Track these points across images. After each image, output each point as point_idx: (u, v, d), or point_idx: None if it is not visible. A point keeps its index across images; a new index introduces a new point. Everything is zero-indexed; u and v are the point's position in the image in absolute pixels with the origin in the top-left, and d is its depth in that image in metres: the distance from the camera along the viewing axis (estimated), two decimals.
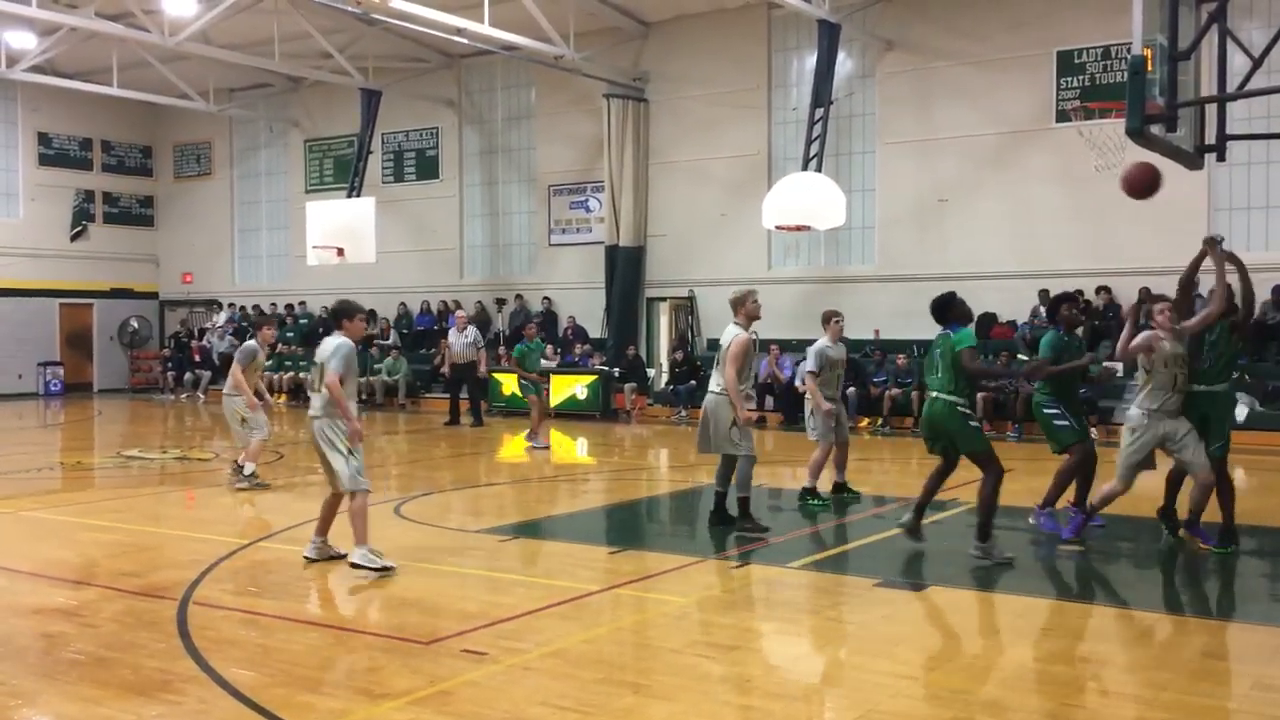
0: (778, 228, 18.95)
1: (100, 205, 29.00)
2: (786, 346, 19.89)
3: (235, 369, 11.80)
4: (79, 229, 28.36)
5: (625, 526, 10.76)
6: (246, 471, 11.89)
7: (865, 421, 18.46)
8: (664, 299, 22.79)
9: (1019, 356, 17.96)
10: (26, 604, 7.02)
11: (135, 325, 29.29)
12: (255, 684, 5.32)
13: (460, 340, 18.80)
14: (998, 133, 19.15)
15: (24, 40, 22.17)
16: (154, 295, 30.12)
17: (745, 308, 9.48)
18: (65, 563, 8.32)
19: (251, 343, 12.00)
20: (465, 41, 20.78)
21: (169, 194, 30.11)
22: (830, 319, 11.18)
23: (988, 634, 6.35)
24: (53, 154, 28.04)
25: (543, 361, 17.88)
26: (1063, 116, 18.33)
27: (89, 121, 28.33)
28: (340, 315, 8.06)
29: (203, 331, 27.71)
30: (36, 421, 21.68)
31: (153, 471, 13.81)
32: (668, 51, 22.24)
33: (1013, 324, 18.95)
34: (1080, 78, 18.50)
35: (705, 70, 21.74)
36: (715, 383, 9.46)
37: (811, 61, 20.05)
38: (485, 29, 18.79)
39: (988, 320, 19.27)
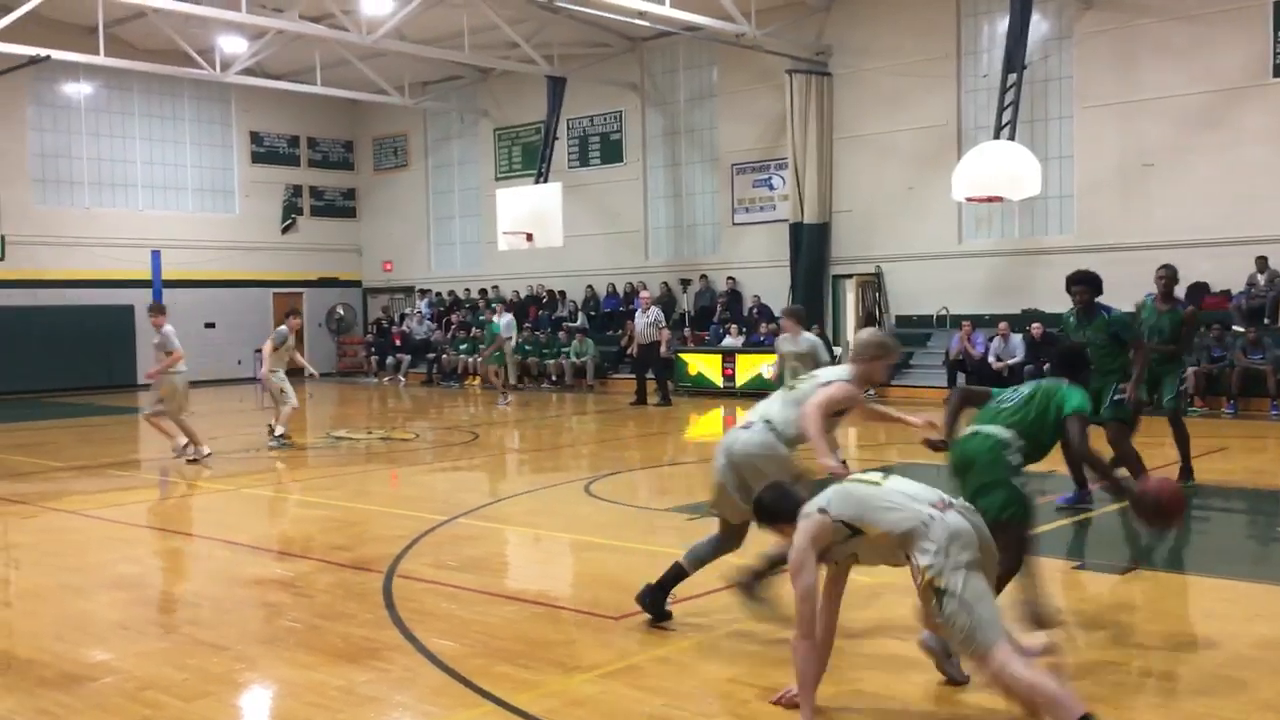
0: (969, 199, 18.38)
1: (307, 199, 30.60)
2: (979, 322, 19.32)
3: (268, 348, 14.55)
4: (289, 222, 30.00)
5: None
6: (278, 433, 14.24)
7: None
8: (850, 276, 22.44)
9: (1234, 328, 16.94)
10: (248, 575, 7.52)
11: (341, 312, 30.80)
12: (456, 654, 5.55)
13: (642, 320, 19.25)
14: (1208, 91, 18.01)
15: (236, 45, 23.55)
16: (357, 283, 31.60)
17: (866, 365, 5.83)
18: (282, 536, 8.86)
19: (282, 328, 14.77)
20: (647, 24, 20.92)
21: (369, 186, 31.50)
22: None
23: (1198, 619, 6.03)
24: (263, 151, 29.72)
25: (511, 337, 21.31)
26: None
27: (295, 119, 29.89)
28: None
29: (403, 317, 28.90)
30: (254, 404, 23.04)
31: (359, 451, 14.52)
32: (852, 23, 21.82)
33: (1227, 294, 17.85)
34: None
35: (891, 40, 21.23)
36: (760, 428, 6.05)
37: (1003, 25, 19.32)
38: (667, 10, 18.87)
39: (1199, 290, 18.24)
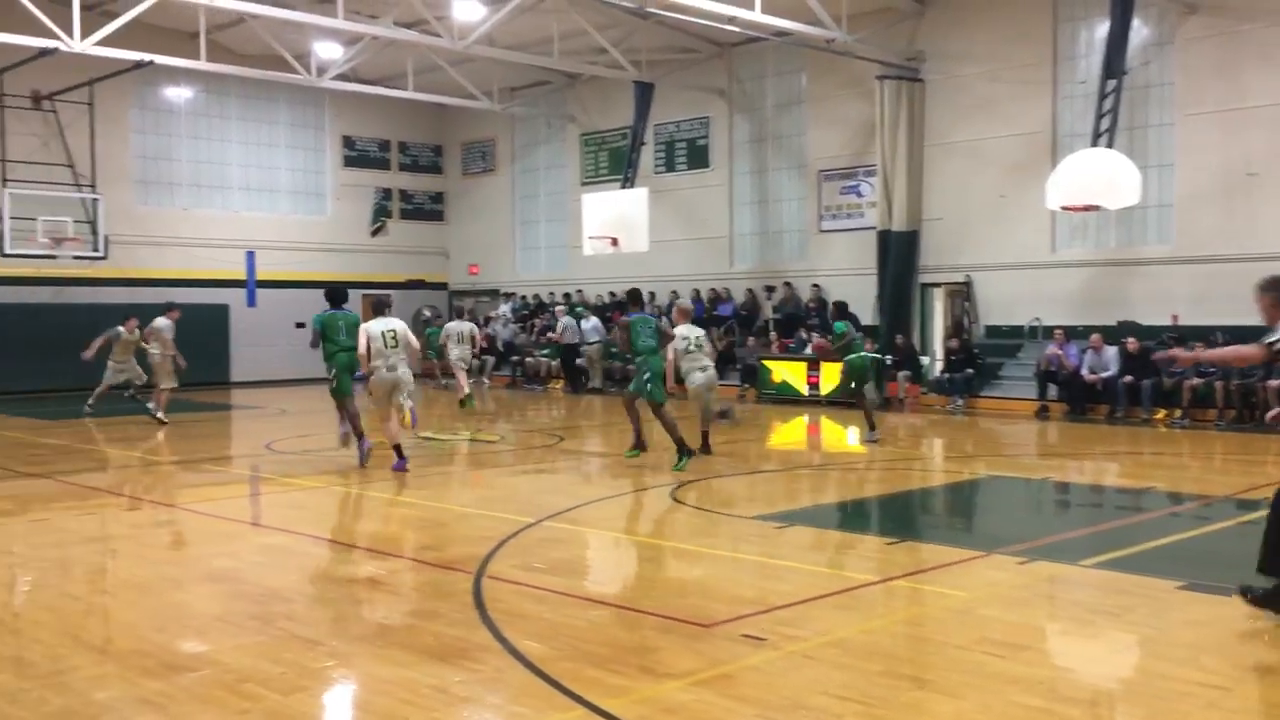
0: (1064, 208, 18.01)
1: (397, 202, 31.06)
2: (1072, 333, 18.89)
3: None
4: (378, 225, 30.48)
5: (900, 517, 10.54)
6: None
7: (1162, 414, 17.28)
8: (938, 285, 22.13)
9: None
10: (340, 571, 7.62)
11: (428, 314, 31.13)
12: (545, 656, 5.55)
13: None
14: None
15: (331, 51, 24.01)
16: (444, 286, 31.98)
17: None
18: (372, 535, 8.97)
19: (119, 327, 18.39)
20: (736, 30, 20.86)
21: (457, 190, 31.87)
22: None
23: None
24: (355, 155, 30.25)
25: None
26: None
27: (387, 124, 30.38)
28: None
29: (488, 320, 29.16)
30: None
31: (446, 452, 14.66)
32: (945, 29, 21.51)
33: None
34: None
35: (985, 46, 20.89)
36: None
37: (1102, 31, 18.91)
38: (757, 16, 18.79)
39: None
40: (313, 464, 13.62)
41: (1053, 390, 18.64)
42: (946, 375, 20.20)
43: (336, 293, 13.25)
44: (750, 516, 9.65)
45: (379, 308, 12.96)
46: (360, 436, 12.73)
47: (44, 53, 19.83)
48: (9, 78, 22.90)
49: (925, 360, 21.61)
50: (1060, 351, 18.52)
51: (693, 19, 20.48)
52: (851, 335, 15.19)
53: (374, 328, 12.46)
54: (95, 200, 24.35)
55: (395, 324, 12.49)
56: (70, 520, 9.75)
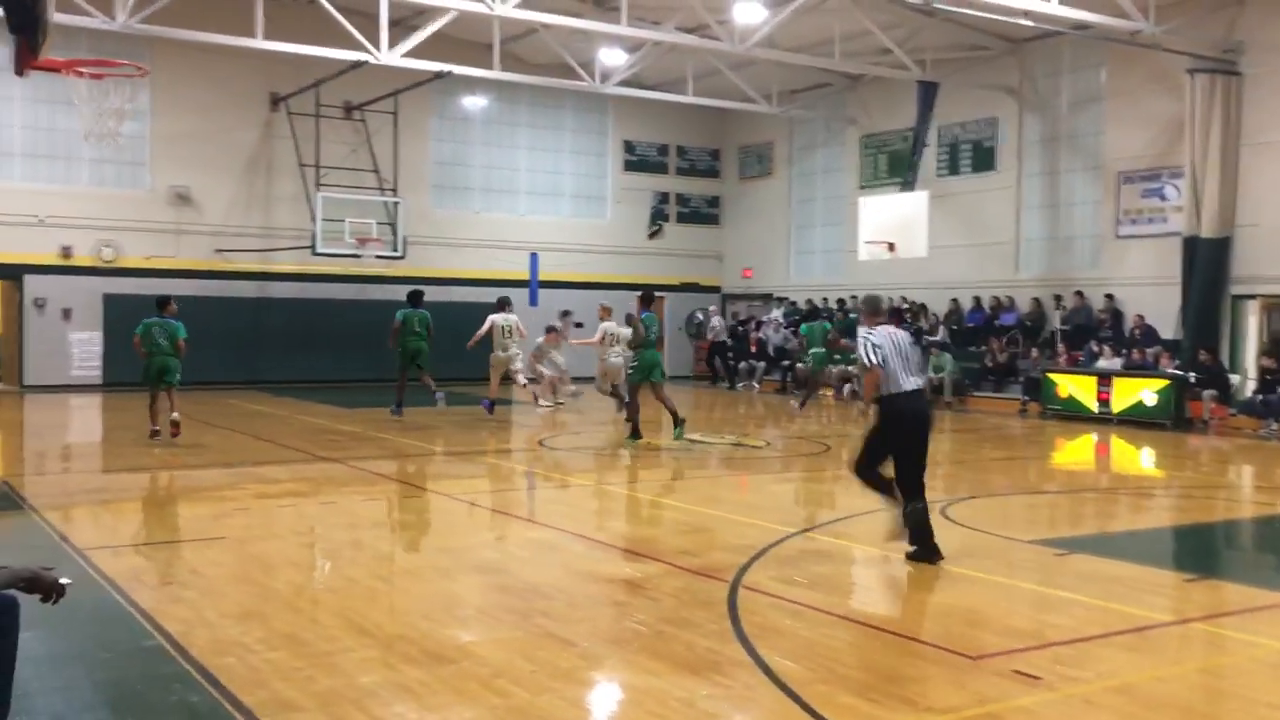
0: None
1: (673, 206, 31.46)
2: None
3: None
4: (655, 229, 30.96)
5: (1201, 551, 9.58)
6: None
7: None
8: (1253, 297, 20.15)
9: None
10: (599, 571, 7.65)
11: (700, 318, 31.38)
12: (799, 677, 5.31)
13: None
14: None
15: (615, 58, 24.55)
16: (716, 289, 32.11)
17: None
18: (633, 536, 8.99)
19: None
20: (1031, 24, 19.78)
21: (733, 194, 31.93)
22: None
23: None
24: (635, 160, 30.86)
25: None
26: None
27: (666, 128, 30.82)
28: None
29: (760, 324, 29.04)
30: (618, 405, 23.94)
31: (711, 455, 14.62)
32: (1268, 16, 19.55)
33: None
34: None
35: None
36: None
37: None
38: (1054, 9, 17.71)
39: None
40: (581, 462, 13.90)
41: None
42: (1260, 396, 18.36)
43: (414, 295, 17.79)
44: (1028, 540, 9.03)
45: (501, 304, 18.24)
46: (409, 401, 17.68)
47: (355, 65, 21.30)
48: (324, 90, 24.74)
49: (1235, 379, 19.74)
50: None
51: (984, 14, 19.55)
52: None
53: (497, 319, 18.07)
54: (396, 204, 25.95)
55: (512, 318, 18.20)
56: (356, 504, 10.32)
